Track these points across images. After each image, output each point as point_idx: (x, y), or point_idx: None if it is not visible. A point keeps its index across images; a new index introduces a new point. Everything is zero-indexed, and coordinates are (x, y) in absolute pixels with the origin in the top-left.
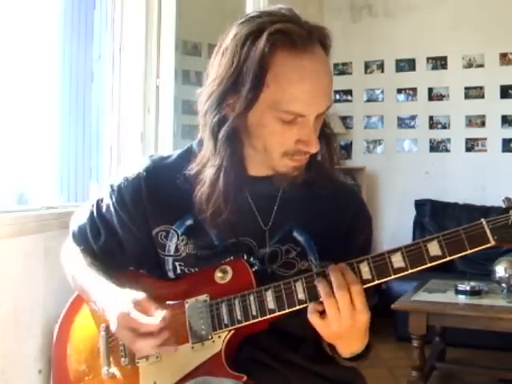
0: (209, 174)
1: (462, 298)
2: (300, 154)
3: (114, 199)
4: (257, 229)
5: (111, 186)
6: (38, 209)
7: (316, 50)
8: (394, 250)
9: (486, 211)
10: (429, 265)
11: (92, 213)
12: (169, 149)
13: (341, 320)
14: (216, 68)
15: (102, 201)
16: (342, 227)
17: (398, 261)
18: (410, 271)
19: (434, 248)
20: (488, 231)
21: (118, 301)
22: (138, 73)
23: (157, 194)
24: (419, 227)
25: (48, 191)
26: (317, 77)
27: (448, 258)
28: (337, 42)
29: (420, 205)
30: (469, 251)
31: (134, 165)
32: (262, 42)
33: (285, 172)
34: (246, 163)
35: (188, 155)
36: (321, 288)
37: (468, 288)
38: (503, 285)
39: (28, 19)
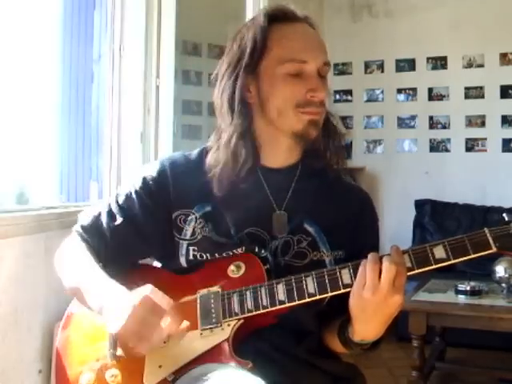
0: (223, 139)
1: (462, 298)
2: (311, 105)
3: (137, 187)
4: (270, 215)
5: (132, 180)
6: (38, 209)
7: (306, 25)
8: (403, 252)
9: (485, 211)
10: (434, 266)
11: (109, 205)
12: (169, 149)
13: (377, 290)
14: (225, 59)
15: (118, 195)
16: (350, 219)
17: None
18: (415, 271)
19: (439, 252)
20: (490, 239)
21: (123, 298)
22: (137, 73)
23: (179, 180)
24: (419, 227)
25: (48, 191)
26: (309, 35)
27: (452, 261)
28: (337, 42)
29: (420, 205)
30: (472, 256)
31: (153, 164)
32: (260, 18)
33: (302, 130)
34: (260, 154)
35: (204, 154)
36: (371, 254)
37: (468, 288)
38: (503, 285)
39: (28, 19)
